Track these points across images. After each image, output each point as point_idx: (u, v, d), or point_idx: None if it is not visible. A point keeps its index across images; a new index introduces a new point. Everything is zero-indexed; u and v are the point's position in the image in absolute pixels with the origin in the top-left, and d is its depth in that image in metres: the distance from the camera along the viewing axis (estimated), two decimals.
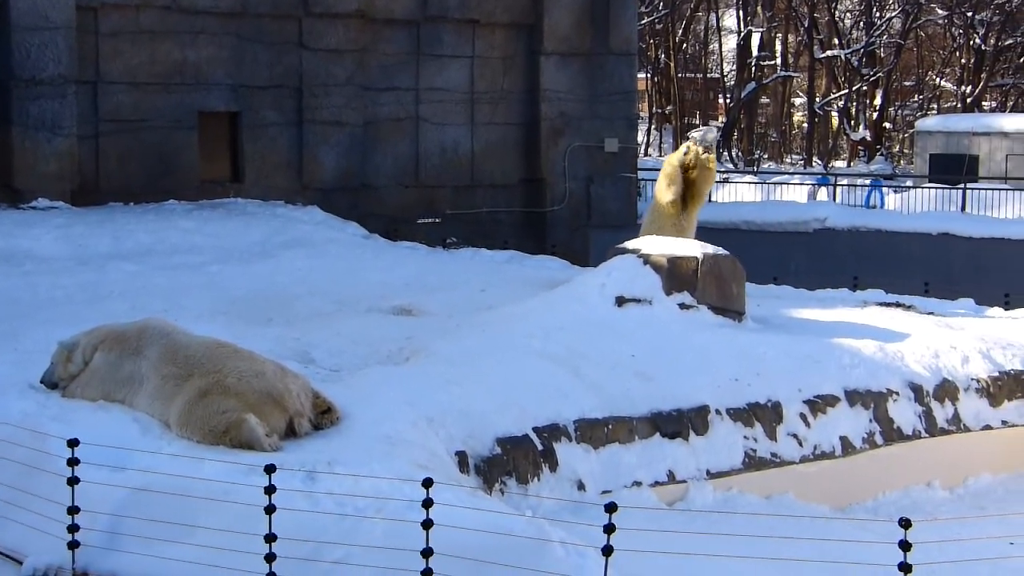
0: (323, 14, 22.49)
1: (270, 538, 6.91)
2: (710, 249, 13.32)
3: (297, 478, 7.63)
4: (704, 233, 15.14)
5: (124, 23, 20.96)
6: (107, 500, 7.66)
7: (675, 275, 12.78)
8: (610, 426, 10.39)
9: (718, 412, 11.01)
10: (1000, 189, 28.55)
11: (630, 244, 13.51)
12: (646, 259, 12.89)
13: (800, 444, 11.32)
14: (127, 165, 21.05)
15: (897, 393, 12.15)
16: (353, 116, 23.05)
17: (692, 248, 13.22)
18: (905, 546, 6.33)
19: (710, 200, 29.92)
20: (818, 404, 11.58)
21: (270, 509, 6.93)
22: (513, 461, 9.53)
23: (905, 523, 6.38)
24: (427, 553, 6.66)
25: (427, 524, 6.68)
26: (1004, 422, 12.80)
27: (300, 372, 9.22)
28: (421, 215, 23.77)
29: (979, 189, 28.13)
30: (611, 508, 6.37)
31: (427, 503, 6.71)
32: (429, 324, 12.61)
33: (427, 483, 6.78)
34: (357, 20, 22.88)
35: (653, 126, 63.13)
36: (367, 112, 23.38)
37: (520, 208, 25.43)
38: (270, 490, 6.97)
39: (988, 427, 12.67)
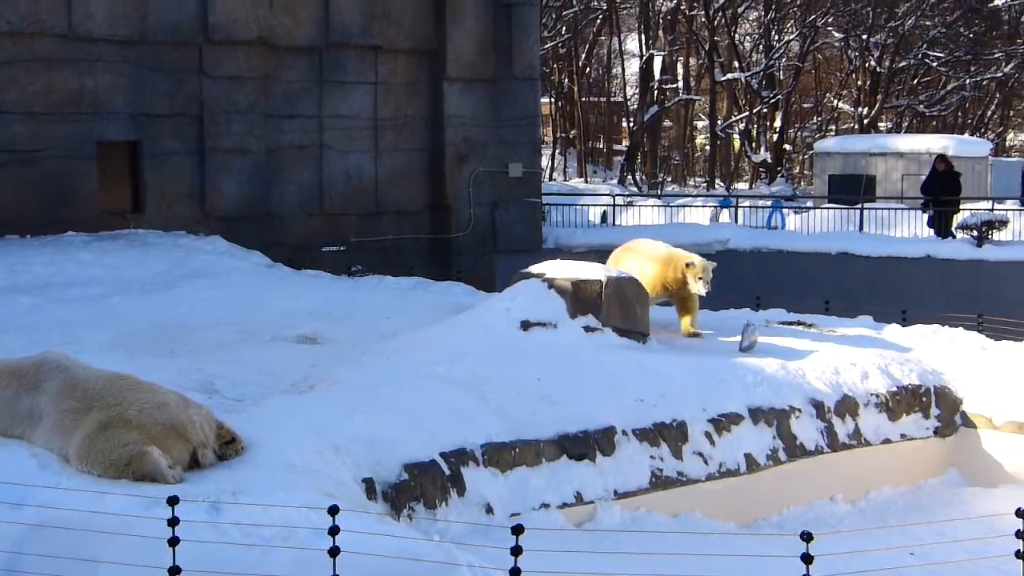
0: (223, 41, 22.33)
1: (174, 571, 6.80)
2: (614, 272, 13.46)
3: (201, 509, 7.53)
4: (608, 256, 15.23)
5: (18, 51, 20.58)
6: (4, 537, 7.50)
7: (580, 298, 12.88)
8: (517, 449, 10.41)
9: (624, 433, 11.09)
10: (896, 208, 29.16)
11: (535, 268, 13.59)
12: (551, 283, 12.98)
13: (706, 462, 11.44)
14: (23, 196, 20.56)
15: (799, 410, 12.35)
16: (256, 144, 22.90)
17: (596, 271, 13.33)
18: (807, 559, 6.44)
19: (614, 224, 30.33)
20: (722, 422, 11.72)
21: (174, 541, 6.83)
22: (420, 487, 9.51)
23: (807, 537, 6.49)
24: None
25: (334, 552, 6.63)
26: (903, 436, 13.07)
27: (203, 403, 9.11)
28: (326, 243, 23.65)
29: (876, 209, 28.70)
30: (518, 530, 6.39)
31: (334, 531, 6.66)
32: (334, 352, 12.55)
33: (333, 511, 6.73)
34: (259, 47, 22.77)
35: (557, 150, 63.52)
36: (270, 140, 23.25)
37: (425, 235, 25.46)
38: (173, 522, 6.87)
39: (888, 441, 12.93)
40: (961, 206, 26.81)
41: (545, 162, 53.38)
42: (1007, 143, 63.41)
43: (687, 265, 14.16)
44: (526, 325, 12.56)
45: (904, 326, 16.38)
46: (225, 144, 22.51)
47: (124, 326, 13.77)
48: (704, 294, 14.22)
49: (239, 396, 10.77)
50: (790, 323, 16.03)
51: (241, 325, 14.01)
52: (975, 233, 24.76)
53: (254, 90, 22.82)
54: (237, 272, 18.15)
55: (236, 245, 20.62)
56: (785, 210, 32.19)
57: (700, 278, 14.04)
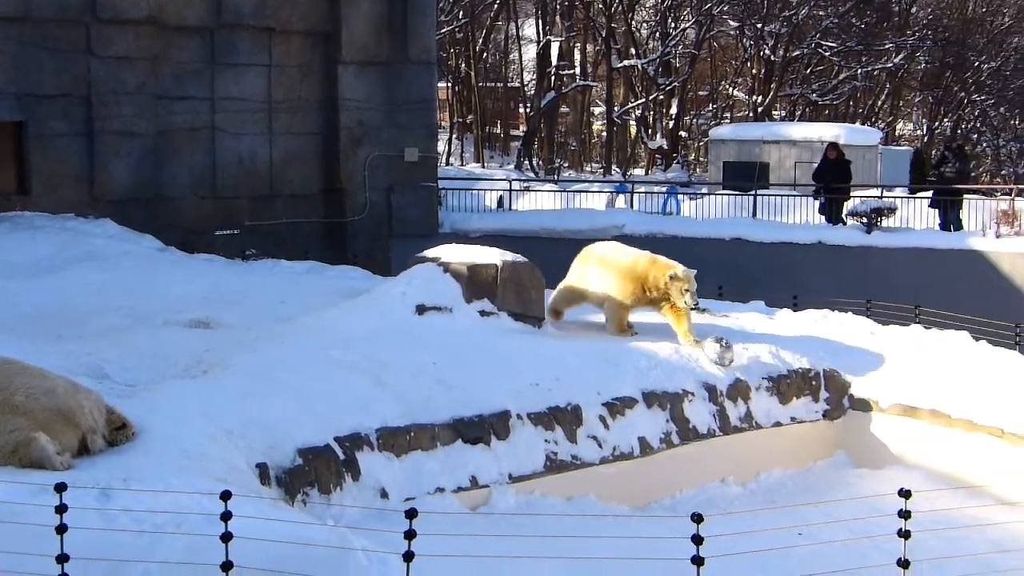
0: (112, 20, 21.87)
1: (62, 558, 6.68)
2: (509, 257, 13.48)
3: (91, 496, 7.40)
4: (503, 241, 15.31)
5: None
6: None
7: (475, 283, 12.90)
8: (412, 434, 10.40)
9: (519, 417, 11.14)
10: (789, 195, 29.58)
11: (430, 253, 13.57)
12: (446, 267, 12.98)
13: (600, 446, 11.53)
14: None
15: (692, 394, 12.49)
16: (146, 126, 22.51)
17: (491, 256, 13.35)
18: (697, 540, 6.53)
19: (510, 209, 30.37)
20: (617, 406, 11.82)
21: (62, 529, 6.71)
22: (315, 471, 9.46)
23: (697, 518, 6.58)
24: (227, 567, 6.55)
25: (226, 537, 6.57)
26: (793, 419, 13.29)
27: (93, 388, 8.95)
28: (219, 227, 23.35)
29: (769, 195, 29.09)
30: (411, 514, 6.38)
31: (226, 516, 6.60)
32: (227, 337, 12.41)
33: (225, 496, 6.66)
34: (148, 27, 22.34)
35: (454, 135, 63.41)
36: (160, 122, 22.85)
37: (320, 219, 25.26)
38: (61, 509, 6.75)
39: (778, 424, 13.14)
40: (851, 193, 27.28)
41: (442, 147, 53.30)
42: (896, 132, 64.67)
43: (671, 278, 13.16)
44: (421, 309, 12.56)
45: (795, 311, 16.66)
46: (114, 126, 22.08)
47: (10, 310, 13.49)
48: (695, 306, 13.37)
49: (130, 381, 10.63)
50: None
51: (132, 309, 13.80)
52: (864, 220, 25.24)
53: (144, 71, 22.41)
54: (128, 256, 17.86)
55: (127, 228, 20.27)
56: (680, 196, 32.47)
57: (687, 290, 13.10)
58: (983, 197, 27.59)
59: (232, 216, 23.85)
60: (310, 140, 25.13)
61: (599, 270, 13.83)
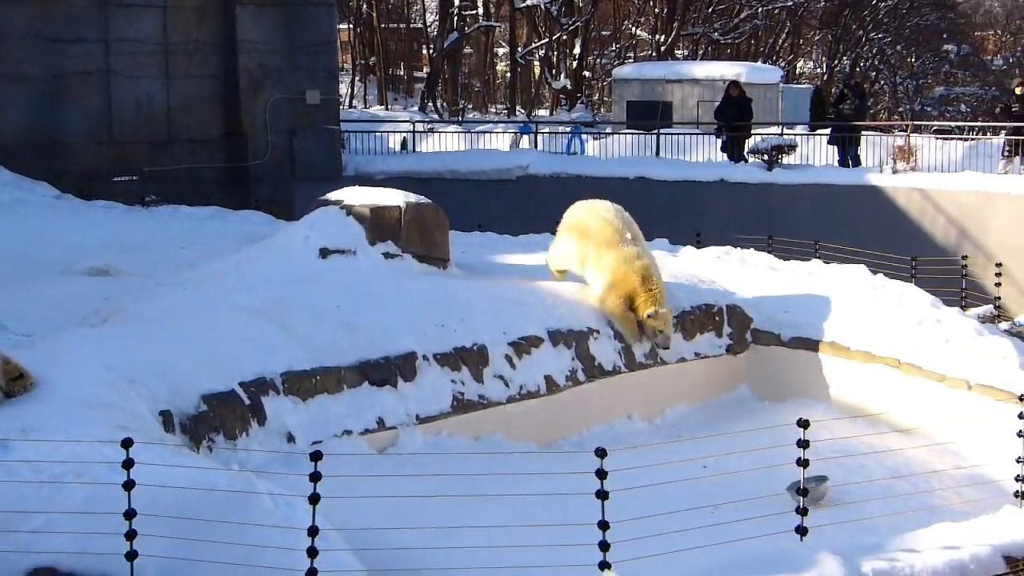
0: None
1: None
2: (412, 198, 13.41)
3: None
4: (408, 183, 15.23)
5: None
6: None
7: (378, 225, 12.82)
8: (318, 377, 10.36)
9: (425, 358, 11.14)
10: (691, 134, 29.81)
11: (333, 195, 13.45)
12: (349, 210, 12.87)
13: (506, 385, 11.57)
14: None
15: (597, 331, 12.56)
16: (38, 70, 22.01)
17: (395, 198, 13.27)
18: (601, 474, 6.61)
19: (414, 151, 30.22)
20: (522, 345, 11.86)
21: None
22: (220, 417, 9.39)
23: (601, 453, 6.65)
24: (130, 515, 6.50)
25: (129, 485, 6.51)
26: (697, 354, 13.44)
27: None
28: (117, 173, 22.94)
29: (672, 134, 29.27)
30: (316, 456, 6.38)
31: (127, 464, 6.54)
32: (128, 284, 12.26)
33: (127, 443, 6.60)
34: None
35: (357, 77, 62.78)
36: (54, 65, 22.35)
37: (221, 163, 24.93)
38: None
39: (683, 360, 13.27)
40: (752, 131, 27.54)
41: (344, 89, 52.70)
42: (797, 70, 65.29)
43: (648, 316, 12.51)
44: (325, 252, 12.46)
45: (698, 248, 16.82)
46: (4, 70, 21.60)
47: None
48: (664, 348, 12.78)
49: (27, 331, 10.46)
50: None
51: (29, 259, 13.56)
52: (766, 157, 25.52)
53: (34, 13, 21.86)
54: (22, 204, 17.53)
55: (20, 176, 19.86)
56: (584, 136, 32.58)
57: (660, 331, 12.59)
58: (880, 134, 28.05)
59: (130, 162, 23.44)
60: (209, 83, 24.73)
61: (594, 271, 12.92)
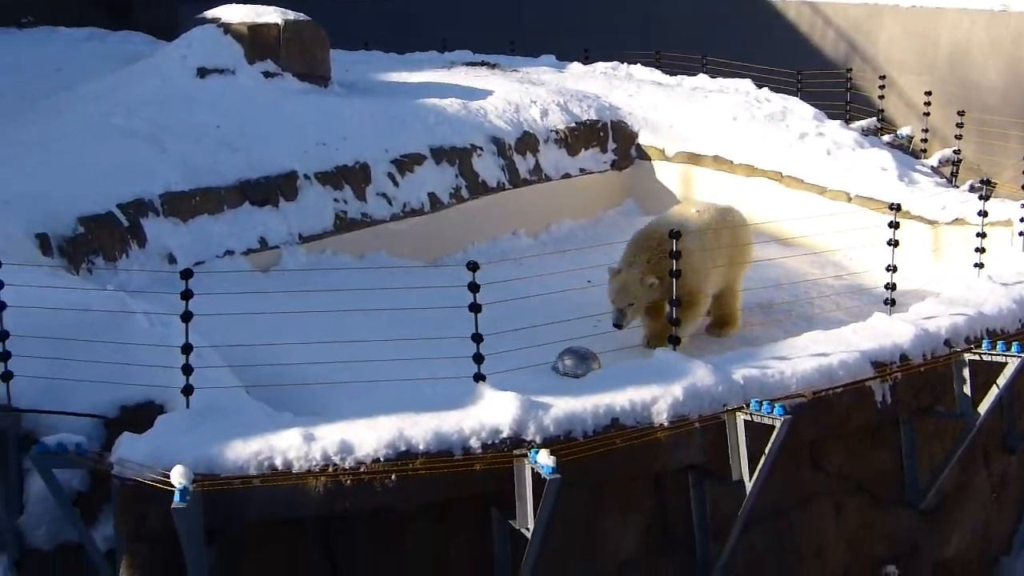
0: None
1: None
2: (291, 15, 13.15)
3: None
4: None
5: None
6: None
7: (257, 43, 12.59)
8: (197, 198, 10.28)
9: (307, 177, 11.09)
10: None
11: (210, 13, 13.14)
12: (227, 28, 12.62)
13: (390, 203, 11.58)
14: None
15: (481, 148, 12.58)
16: None
17: (273, 15, 13.00)
18: (474, 287, 6.70)
19: None
20: (405, 163, 11.86)
21: None
22: (98, 239, 9.30)
23: (473, 266, 6.73)
24: (3, 336, 6.47)
25: (0, 307, 6.47)
26: (582, 170, 13.53)
27: None
28: None
29: None
30: (186, 274, 6.37)
31: None
32: (0, 107, 11.92)
33: None
34: None
35: None
36: None
37: None
38: None
39: (568, 175, 13.36)
40: None
41: None
42: None
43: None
44: (203, 72, 12.24)
45: (586, 64, 16.75)
46: None
47: None
48: None
49: None
50: (475, 64, 16.15)
51: None
52: None
53: None
54: None
55: None
56: None
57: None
58: None
59: None
60: None
61: None
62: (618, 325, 8.63)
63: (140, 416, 6.36)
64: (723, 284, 9.38)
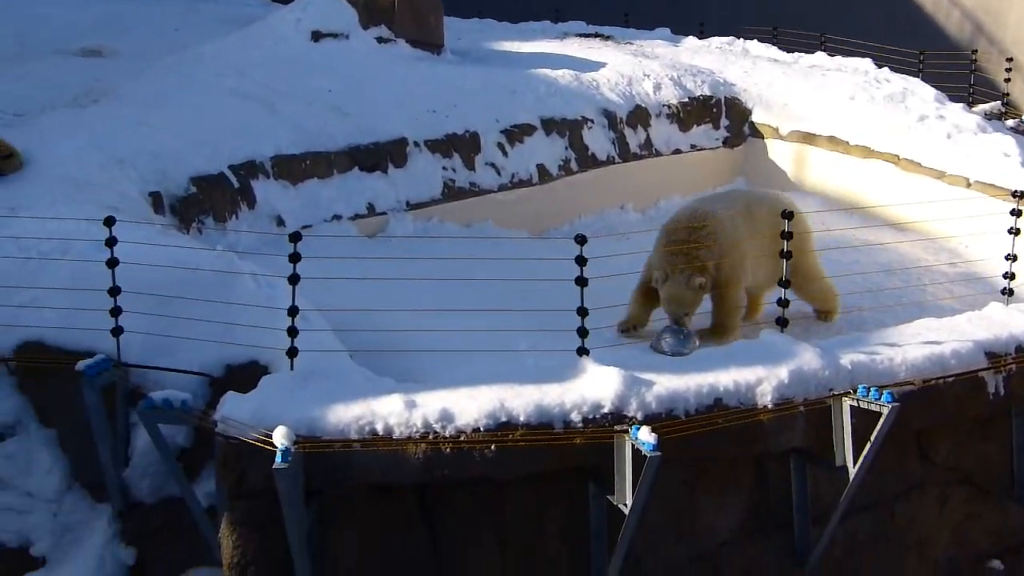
0: None
1: None
2: None
3: None
4: None
5: None
6: None
7: (372, 8, 12.62)
8: (308, 161, 10.34)
9: (416, 144, 11.09)
10: None
11: None
12: None
13: (498, 173, 11.54)
14: None
15: (592, 120, 12.47)
16: None
17: None
18: (581, 261, 6.62)
19: None
20: (515, 133, 11.80)
21: None
22: (209, 200, 9.41)
23: (581, 240, 6.65)
24: (114, 291, 6.58)
25: (112, 263, 6.57)
26: (693, 146, 13.36)
27: None
28: None
29: None
30: (295, 237, 6.39)
31: (111, 242, 6.58)
32: (119, 66, 12.15)
33: (109, 222, 6.63)
34: None
35: None
36: None
37: None
38: None
39: (678, 151, 13.21)
40: None
41: None
42: None
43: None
44: (317, 36, 12.30)
45: (701, 38, 16.56)
46: None
47: None
48: None
49: (19, 111, 10.40)
50: (587, 35, 16.04)
51: (19, 37, 13.39)
52: None
53: None
54: None
55: None
56: None
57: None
58: None
59: None
60: None
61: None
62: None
63: (244, 376, 6.42)
64: (773, 274, 8.42)
